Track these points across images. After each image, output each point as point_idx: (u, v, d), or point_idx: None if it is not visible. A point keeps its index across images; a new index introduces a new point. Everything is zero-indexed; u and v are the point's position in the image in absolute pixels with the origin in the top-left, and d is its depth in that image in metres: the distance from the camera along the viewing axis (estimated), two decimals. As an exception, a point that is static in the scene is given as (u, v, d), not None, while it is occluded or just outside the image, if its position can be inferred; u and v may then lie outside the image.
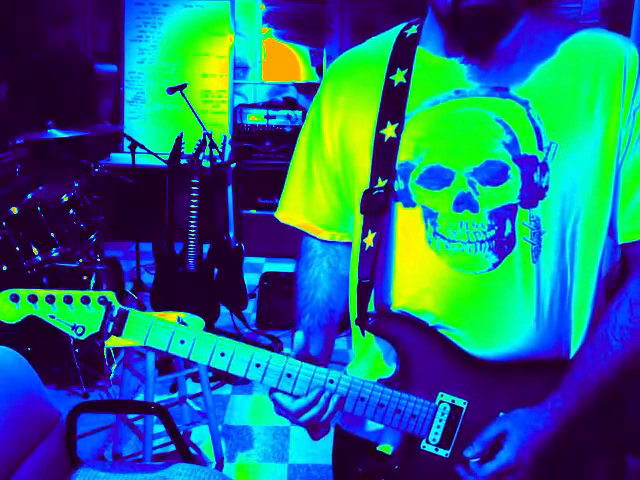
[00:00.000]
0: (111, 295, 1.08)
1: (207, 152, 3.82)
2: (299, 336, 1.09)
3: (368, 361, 1.19)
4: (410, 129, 1.09)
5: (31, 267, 3.14)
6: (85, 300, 1.07)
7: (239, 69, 5.70)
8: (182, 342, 1.08)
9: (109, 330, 1.08)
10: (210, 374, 3.39)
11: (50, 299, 1.07)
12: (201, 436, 3.01)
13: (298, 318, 1.21)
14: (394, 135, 1.09)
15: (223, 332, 3.73)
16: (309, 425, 1.09)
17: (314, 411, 1.06)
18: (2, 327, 3.02)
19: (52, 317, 1.08)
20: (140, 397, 3.22)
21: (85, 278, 3.33)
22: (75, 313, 1.08)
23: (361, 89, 1.16)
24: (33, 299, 1.07)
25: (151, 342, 1.08)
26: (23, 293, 1.07)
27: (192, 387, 3.27)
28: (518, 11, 1.06)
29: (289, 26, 5.71)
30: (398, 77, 1.11)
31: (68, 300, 1.07)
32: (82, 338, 1.08)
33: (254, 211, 5.38)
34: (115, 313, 1.08)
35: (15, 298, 1.07)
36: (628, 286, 1.07)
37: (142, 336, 1.08)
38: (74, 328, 1.08)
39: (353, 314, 1.18)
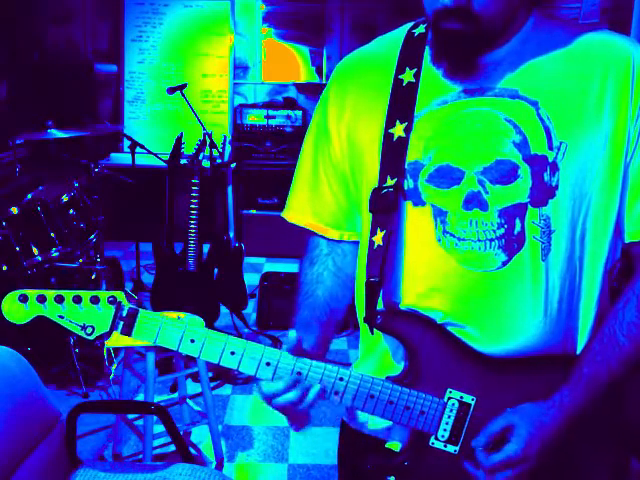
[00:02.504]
0: (120, 295, 1.08)
1: (207, 152, 3.82)
2: (292, 334, 1.09)
3: (376, 358, 1.20)
4: (419, 128, 1.09)
5: (31, 267, 3.14)
6: (94, 300, 1.08)
7: (239, 69, 5.70)
8: (192, 341, 1.08)
9: (119, 330, 1.08)
10: (210, 374, 3.39)
11: (59, 299, 1.07)
12: (201, 436, 3.01)
13: (295, 312, 1.22)
14: (403, 134, 1.09)
15: (223, 332, 3.73)
16: (286, 411, 1.09)
17: (291, 395, 1.06)
18: (2, 327, 3.01)
19: (61, 317, 1.08)
20: (140, 397, 3.22)
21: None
22: (84, 313, 1.08)
23: (369, 88, 1.16)
24: (42, 299, 1.07)
25: (161, 341, 1.08)
26: (32, 293, 1.07)
27: (192, 387, 3.27)
28: (523, 12, 1.07)
29: (289, 26, 5.71)
30: (407, 76, 1.12)
31: (77, 300, 1.08)
32: (91, 338, 1.08)
33: (254, 211, 5.37)
34: (125, 313, 1.08)
35: (24, 298, 1.07)
36: (635, 283, 1.08)
37: (152, 336, 1.08)
38: (83, 328, 1.08)
39: (361, 312, 1.19)
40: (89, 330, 1.08)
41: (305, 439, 3.05)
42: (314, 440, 3.03)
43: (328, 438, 3.04)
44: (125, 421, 2.70)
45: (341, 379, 1.08)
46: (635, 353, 1.06)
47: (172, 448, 2.79)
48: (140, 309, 1.08)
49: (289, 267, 4.69)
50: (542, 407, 1.07)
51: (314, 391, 1.07)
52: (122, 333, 1.08)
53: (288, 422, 1.11)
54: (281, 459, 2.90)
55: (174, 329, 1.08)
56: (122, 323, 1.08)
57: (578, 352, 1.12)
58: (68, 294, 1.08)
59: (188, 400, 2.89)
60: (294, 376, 1.07)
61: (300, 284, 1.26)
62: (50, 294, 1.07)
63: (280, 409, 1.09)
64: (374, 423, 1.20)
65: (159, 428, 2.56)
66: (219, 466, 2.79)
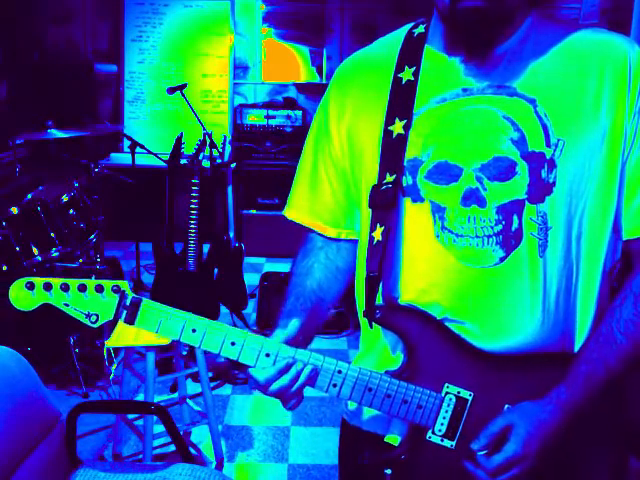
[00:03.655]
0: (124, 284, 1.10)
1: (207, 152, 3.82)
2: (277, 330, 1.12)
3: (376, 353, 1.21)
4: (418, 126, 1.10)
5: (31, 267, 3.14)
6: (99, 288, 1.10)
7: (239, 69, 5.71)
8: (194, 331, 1.09)
9: (122, 318, 1.09)
10: (210, 374, 3.40)
11: (65, 287, 1.09)
12: (201, 436, 3.01)
13: (283, 301, 1.23)
14: (402, 131, 1.10)
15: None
16: (279, 396, 1.09)
17: (284, 380, 1.07)
18: (2, 327, 3.00)
19: (66, 305, 1.10)
20: (140, 397, 3.22)
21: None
22: (89, 301, 1.10)
23: (369, 89, 1.17)
24: (48, 287, 1.09)
25: (163, 331, 1.09)
26: (38, 281, 1.10)
27: (192, 387, 3.27)
28: (522, 12, 1.08)
29: (289, 26, 5.71)
30: (406, 74, 1.12)
31: (82, 288, 1.09)
32: (96, 326, 1.10)
33: (254, 211, 5.38)
34: (128, 302, 1.09)
35: (31, 286, 1.10)
36: (633, 281, 1.08)
37: (154, 325, 1.09)
38: (88, 316, 1.10)
39: (361, 307, 1.20)
40: (93, 318, 1.10)
41: (305, 439, 3.05)
42: (314, 440, 3.04)
43: (328, 438, 3.04)
44: (125, 421, 2.70)
45: (339, 371, 1.09)
46: (633, 351, 1.07)
47: (172, 448, 2.79)
48: (143, 298, 1.09)
49: (289, 267, 4.69)
50: (540, 405, 1.07)
51: (306, 373, 1.07)
52: (125, 322, 1.09)
53: (282, 404, 1.11)
54: (281, 459, 2.90)
55: (176, 319, 1.09)
56: (125, 312, 1.09)
57: (576, 350, 1.12)
58: (73, 282, 1.10)
59: (188, 400, 2.89)
60: (286, 360, 1.07)
61: (291, 275, 1.28)
62: (56, 282, 1.10)
63: (275, 395, 1.09)
64: (373, 420, 1.20)
65: (159, 428, 2.56)
66: (219, 466, 2.80)
